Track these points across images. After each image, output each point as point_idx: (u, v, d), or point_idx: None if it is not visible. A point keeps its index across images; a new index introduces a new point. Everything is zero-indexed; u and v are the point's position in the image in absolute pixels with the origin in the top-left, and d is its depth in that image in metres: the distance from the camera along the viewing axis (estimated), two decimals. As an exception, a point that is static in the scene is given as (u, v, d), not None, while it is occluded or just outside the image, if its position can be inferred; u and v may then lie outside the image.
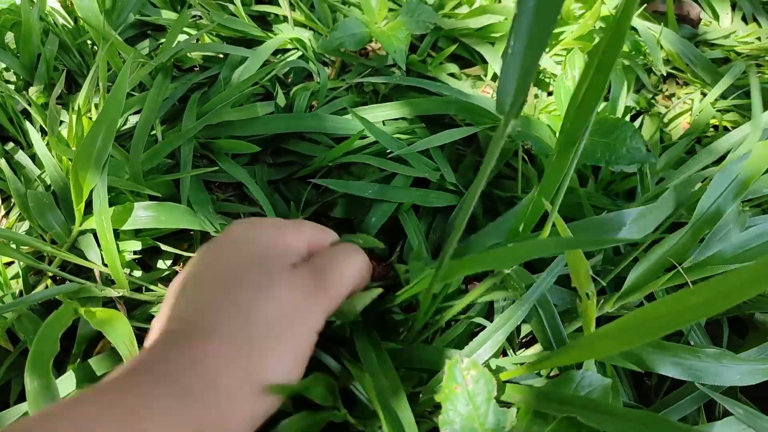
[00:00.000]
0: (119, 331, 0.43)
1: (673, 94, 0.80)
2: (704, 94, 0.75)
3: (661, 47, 0.77)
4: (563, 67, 0.65)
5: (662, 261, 0.46)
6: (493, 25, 0.76)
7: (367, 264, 0.41)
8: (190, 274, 0.36)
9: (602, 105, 0.66)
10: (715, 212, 0.45)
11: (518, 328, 0.51)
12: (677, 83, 0.81)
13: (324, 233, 0.42)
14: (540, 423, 0.38)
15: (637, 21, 0.75)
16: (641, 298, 0.48)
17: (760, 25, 0.86)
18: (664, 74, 0.75)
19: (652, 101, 0.76)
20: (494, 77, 0.74)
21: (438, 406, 0.37)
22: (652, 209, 0.46)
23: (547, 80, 0.74)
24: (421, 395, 0.42)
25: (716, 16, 0.87)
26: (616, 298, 0.47)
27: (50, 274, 0.55)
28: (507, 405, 0.39)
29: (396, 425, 0.35)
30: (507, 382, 0.41)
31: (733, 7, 0.88)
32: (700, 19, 0.85)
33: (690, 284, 0.45)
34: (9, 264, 0.55)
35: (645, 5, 0.82)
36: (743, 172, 0.45)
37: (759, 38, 0.84)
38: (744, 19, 0.88)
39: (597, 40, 0.74)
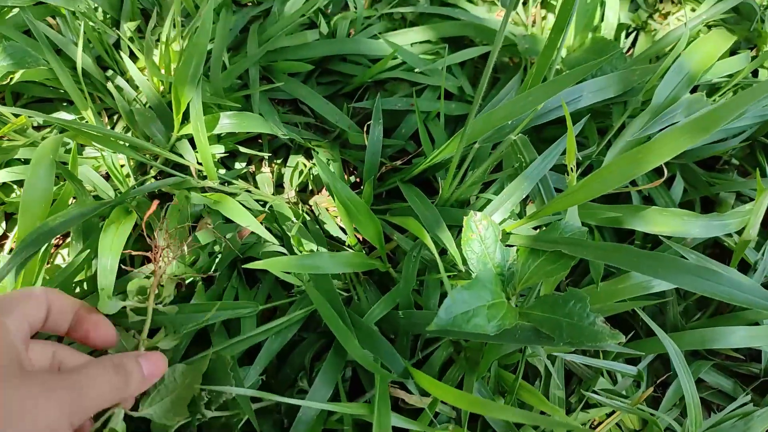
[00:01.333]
0: (230, 205, 0.58)
1: (669, 13, 0.89)
2: (694, 11, 0.85)
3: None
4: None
5: (630, 142, 0.59)
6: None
7: (125, 383, 0.37)
8: None
9: (593, 22, 0.76)
10: (672, 99, 0.57)
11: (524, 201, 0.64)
12: (672, 2, 0.90)
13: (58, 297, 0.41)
14: (534, 257, 0.52)
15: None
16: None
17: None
18: (658, -6, 0.85)
19: (649, 20, 0.86)
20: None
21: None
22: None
23: (553, 2, 0.85)
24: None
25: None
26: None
27: (153, 173, 0.69)
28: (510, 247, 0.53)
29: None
30: (511, 234, 0.55)
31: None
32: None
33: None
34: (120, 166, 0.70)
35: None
36: (693, 65, 0.57)
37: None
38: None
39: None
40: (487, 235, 0.51)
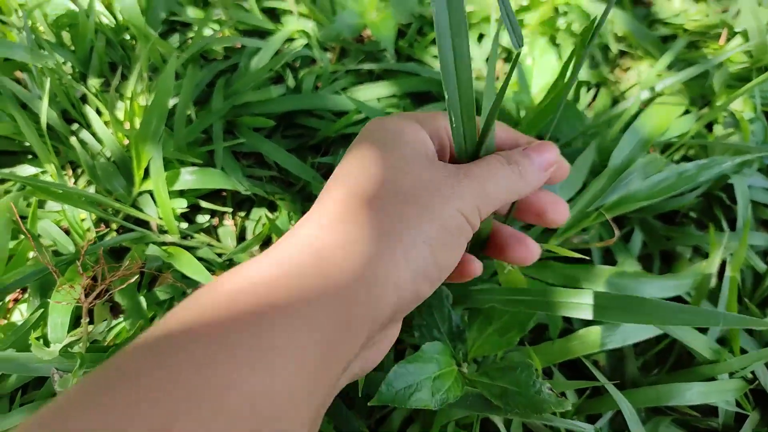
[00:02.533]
0: (185, 260, 0.57)
1: (629, 68, 0.92)
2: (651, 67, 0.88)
3: (615, 27, 0.89)
4: (529, 47, 0.78)
5: (589, 202, 0.60)
6: (469, 13, 0.88)
7: (519, 176, 0.35)
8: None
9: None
10: (627, 162, 0.59)
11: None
12: (632, 58, 0.93)
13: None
14: (485, 324, 0.52)
15: (590, 5, 0.87)
16: (576, 233, 0.63)
17: (708, 5, 0.98)
18: (616, 52, 0.88)
19: (609, 75, 0.89)
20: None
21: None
22: (578, 163, 0.60)
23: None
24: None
25: (669, -3, 0.98)
26: (558, 235, 0.62)
27: (115, 227, 0.69)
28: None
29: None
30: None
31: (685, -13, 1.00)
32: (652, 1, 0.96)
33: (610, 221, 0.59)
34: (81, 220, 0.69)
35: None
36: (647, 130, 0.59)
37: (707, 15, 0.96)
38: (695, -2, 0.99)
39: (558, 23, 0.87)
40: (437, 303, 0.51)
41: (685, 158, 0.74)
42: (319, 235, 0.27)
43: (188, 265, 0.57)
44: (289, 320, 0.22)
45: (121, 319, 0.59)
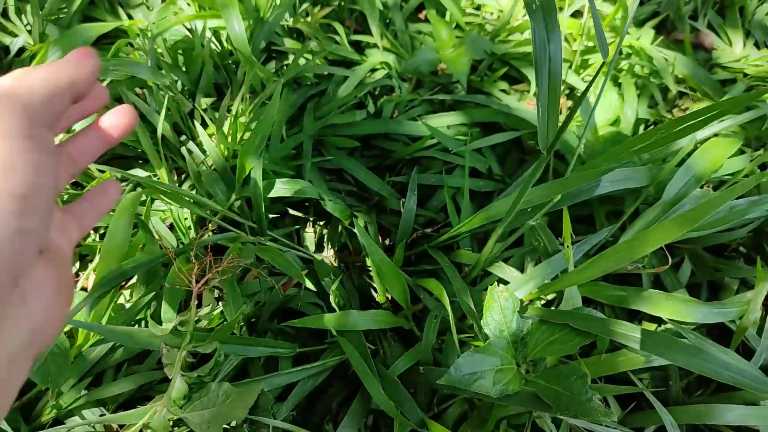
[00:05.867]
0: (279, 258, 0.66)
1: (687, 108, 0.97)
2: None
3: (675, 70, 0.95)
4: (593, 86, 0.85)
5: (642, 228, 0.66)
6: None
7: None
8: None
9: (616, 117, 0.85)
10: (680, 195, 0.64)
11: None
12: (692, 100, 0.98)
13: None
14: (548, 332, 0.58)
15: (653, 49, 0.93)
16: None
17: (770, 51, 1.02)
18: (675, 93, 0.93)
19: (667, 114, 0.94)
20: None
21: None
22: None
23: (577, 94, 0.93)
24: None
25: (730, 43, 1.03)
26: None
27: (212, 226, 0.79)
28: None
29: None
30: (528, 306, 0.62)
31: (748, 34, 1.04)
32: (714, 47, 1.01)
33: (663, 249, 0.64)
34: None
35: (668, 35, 0.99)
36: (700, 167, 0.64)
37: (769, 62, 1.00)
38: (757, 45, 1.03)
39: (621, 64, 0.93)
40: (506, 305, 0.58)
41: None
42: None
43: (282, 263, 0.66)
44: None
45: (219, 306, 0.68)
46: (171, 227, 0.80)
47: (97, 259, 0.72)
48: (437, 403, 0.64)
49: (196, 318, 0.63)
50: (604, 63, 0.45)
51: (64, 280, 0.27)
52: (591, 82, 0.45)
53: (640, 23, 1.02)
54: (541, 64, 0.44)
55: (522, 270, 0.70)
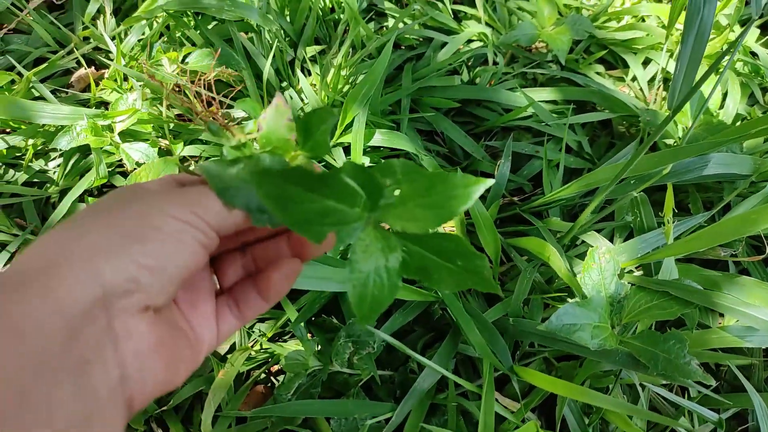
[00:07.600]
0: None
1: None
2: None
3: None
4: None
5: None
6: (637, 39, 0.95)
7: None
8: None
9: (720, 110, 0.84)
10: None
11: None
12: (789, 103, 0.96)
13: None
14: (647, 298, 0.58)
15: (759, 48, 0.91)
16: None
17: None
18: (775, 93, 0.92)
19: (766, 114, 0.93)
20: (633, 79, 0.94)
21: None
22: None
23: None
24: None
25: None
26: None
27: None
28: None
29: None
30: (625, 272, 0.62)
31: None
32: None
33: (762, 237, 0.64)
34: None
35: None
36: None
37: None
38: None
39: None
40: (606, 267, 0.59)
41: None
42: None
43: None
44: None
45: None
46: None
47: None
48: (517, 361, 0.65)
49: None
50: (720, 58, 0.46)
51: (170, 346, 0.27)
52: (709, 71, 0.45)
53: (743, 22, 1.01)
54: (693, 21, 0.45)
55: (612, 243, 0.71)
